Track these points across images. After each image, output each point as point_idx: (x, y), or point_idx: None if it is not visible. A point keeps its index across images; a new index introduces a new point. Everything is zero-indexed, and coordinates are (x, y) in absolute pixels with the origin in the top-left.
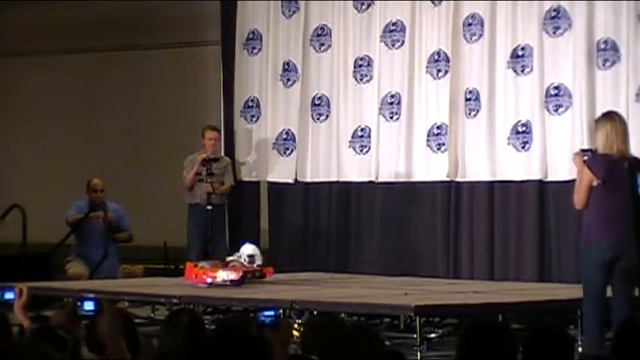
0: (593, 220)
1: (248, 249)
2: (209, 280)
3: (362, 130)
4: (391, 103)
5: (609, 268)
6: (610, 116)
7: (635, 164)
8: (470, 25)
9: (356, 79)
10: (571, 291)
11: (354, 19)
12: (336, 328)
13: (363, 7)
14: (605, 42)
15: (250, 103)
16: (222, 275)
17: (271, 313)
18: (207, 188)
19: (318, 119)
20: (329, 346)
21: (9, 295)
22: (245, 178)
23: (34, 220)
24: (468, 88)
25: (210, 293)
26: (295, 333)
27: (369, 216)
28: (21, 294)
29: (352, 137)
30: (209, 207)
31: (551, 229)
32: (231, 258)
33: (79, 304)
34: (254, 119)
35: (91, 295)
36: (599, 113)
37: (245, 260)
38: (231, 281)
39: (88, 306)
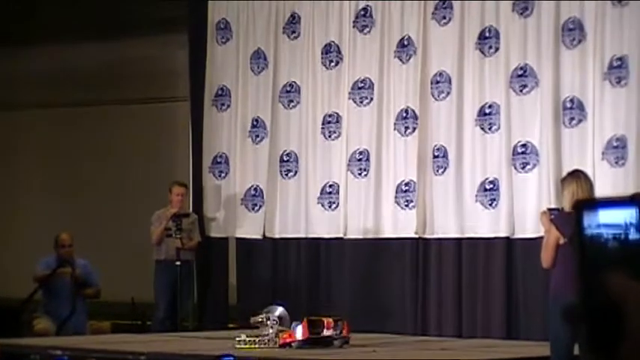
0: (561, 278)
1: (276, 310)
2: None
3: (330, 186)
4: (360, 160)
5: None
6: (576, 175)
7: None
8: (438, 82)
9: (324, 136)
10: (538, 348)
11: (322, 75)
12: None
13: (332, 64)
14: (572, 100)
15: (219, 159)
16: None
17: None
18: (177, 244)
19: (286, 175)
20: None
21: None
22: (213, 234)
23: (3, 275)
24: (435, 145)
25: (178, 349)
26: None
27: (338, 272)
28: None
29: (321, 193)
30: (178, 262)
31: (519, 286)
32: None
33: None
34: (223, 175)
35: (66, 356)
36: (565, 171)
37: (275, 322)
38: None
39: None
